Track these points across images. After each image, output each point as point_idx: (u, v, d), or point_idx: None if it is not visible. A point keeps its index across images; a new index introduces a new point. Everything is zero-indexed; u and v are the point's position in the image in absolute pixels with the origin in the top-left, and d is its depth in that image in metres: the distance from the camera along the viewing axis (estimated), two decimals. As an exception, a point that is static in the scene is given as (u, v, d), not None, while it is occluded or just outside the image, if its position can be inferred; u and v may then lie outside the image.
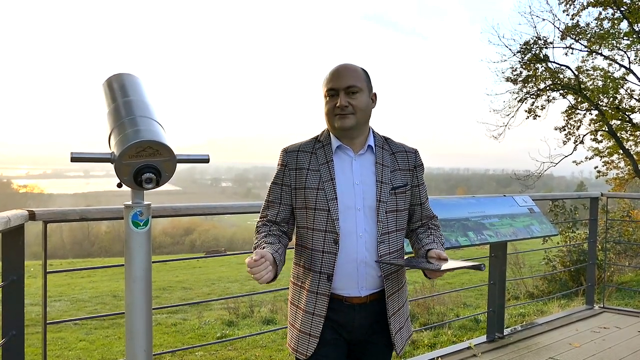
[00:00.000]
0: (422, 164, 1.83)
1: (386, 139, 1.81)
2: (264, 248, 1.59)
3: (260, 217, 1.79)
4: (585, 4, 13.95)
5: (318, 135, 1.79)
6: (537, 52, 14.70)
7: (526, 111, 15.44)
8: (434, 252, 1.64)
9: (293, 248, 1.83)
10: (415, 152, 1.82)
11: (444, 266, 1.55)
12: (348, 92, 1.66)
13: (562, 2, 14.30)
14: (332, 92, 1.68)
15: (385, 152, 1.76)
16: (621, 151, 14.75)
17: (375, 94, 1.76)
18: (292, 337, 1.76)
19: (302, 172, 1.71)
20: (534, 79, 15.08)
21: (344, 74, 1.68)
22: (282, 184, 1.74)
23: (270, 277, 1.49)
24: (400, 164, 1.76)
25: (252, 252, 1.60)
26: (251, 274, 1.47)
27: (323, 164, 1.70)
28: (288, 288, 1.83)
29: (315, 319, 1.68)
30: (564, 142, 15.44)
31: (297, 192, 1.71)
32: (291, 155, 1.74)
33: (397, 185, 1.73)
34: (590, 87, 14.45)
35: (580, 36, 14.38)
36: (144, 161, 1.18)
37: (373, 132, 1.78)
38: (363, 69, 1.73)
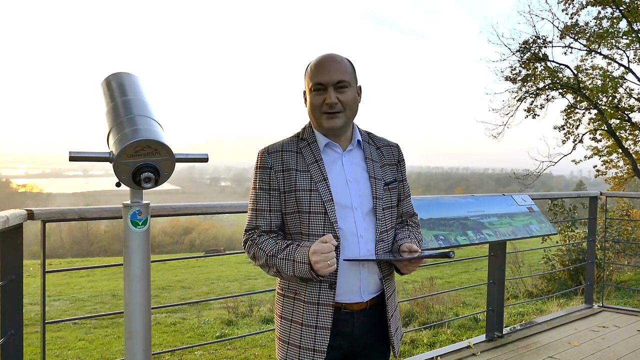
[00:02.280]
0: (404, 159, 1.75)
1: (369, 134, 1.73)
2: (292, 247, 1.50)
3: (249, 230, 1.61)
4: (584, 3, 13.96)
5: (299, 133, 1.66)
6: (536, 51, 14.72)
7: (525, 110, 15.47)
8: (405, 245, 1.56)
9: None
10: (397, 146, 1.75)
11: (410, 256, 1.50)
12: (337, 87, 1.54)
13: (562, 1, 14.32)
14: (319, 87, 1.54)
15: (372, 146, 1.68)
16: (620, 150, 14.77)
17: (360, 87, 1.64)
18: (287, 355, 1.59)
19: (291, 173, 1.56)
20: (533, 78, 15.10)
21: (332, 67, 1.54)
22: (269, 189, 1.58)
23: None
24: (387, 159, 1.69)
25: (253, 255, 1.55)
26: (321, 260, 1.39)
27: (312, 163, 1.57)
28: None
29: (319, 332, 1.54)
30: (563, 141, 15.48)
31: (287, 195, 1.56)
32: (275, 156, 1.59)
33: (388, 180, 1.65)
34: (590, 86, 14.47)
35: (580, 35, 14.38)
36: (142, 160, 1.18)
37: (357, 127, 1.69)
38: (349, 60, 1.61)
